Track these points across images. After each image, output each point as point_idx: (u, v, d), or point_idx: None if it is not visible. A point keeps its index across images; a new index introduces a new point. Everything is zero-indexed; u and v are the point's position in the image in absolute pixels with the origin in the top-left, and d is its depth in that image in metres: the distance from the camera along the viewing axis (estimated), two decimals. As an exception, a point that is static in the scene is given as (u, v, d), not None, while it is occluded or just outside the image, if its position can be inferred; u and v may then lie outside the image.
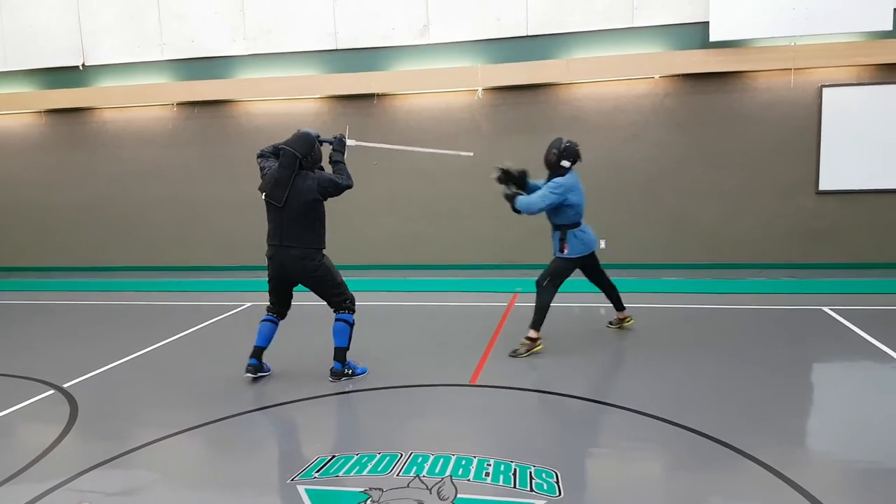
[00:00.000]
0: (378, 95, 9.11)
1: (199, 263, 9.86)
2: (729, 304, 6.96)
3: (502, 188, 5.52)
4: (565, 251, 5.42)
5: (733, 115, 8.42)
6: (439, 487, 3.15)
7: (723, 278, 8.28)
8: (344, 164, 5.01)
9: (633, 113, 8.63)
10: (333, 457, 3.55)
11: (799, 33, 7.85)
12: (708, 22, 8.04)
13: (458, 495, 3.08)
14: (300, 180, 4.71)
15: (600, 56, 8.45)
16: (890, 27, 7.60)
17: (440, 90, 8.96)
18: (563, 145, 5.42)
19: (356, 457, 3.54)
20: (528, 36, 8.66)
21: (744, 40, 8.10)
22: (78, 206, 10.13)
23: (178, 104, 9.61)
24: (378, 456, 3.53)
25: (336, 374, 4.85)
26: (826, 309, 6.55)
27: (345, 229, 9.45)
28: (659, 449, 3.65)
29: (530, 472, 3.29)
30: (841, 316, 6.26)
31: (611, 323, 6.15)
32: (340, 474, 3.35)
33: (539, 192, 5.35)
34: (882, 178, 8.22)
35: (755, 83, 8.32)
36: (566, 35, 8.57)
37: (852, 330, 5.81)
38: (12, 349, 6.11)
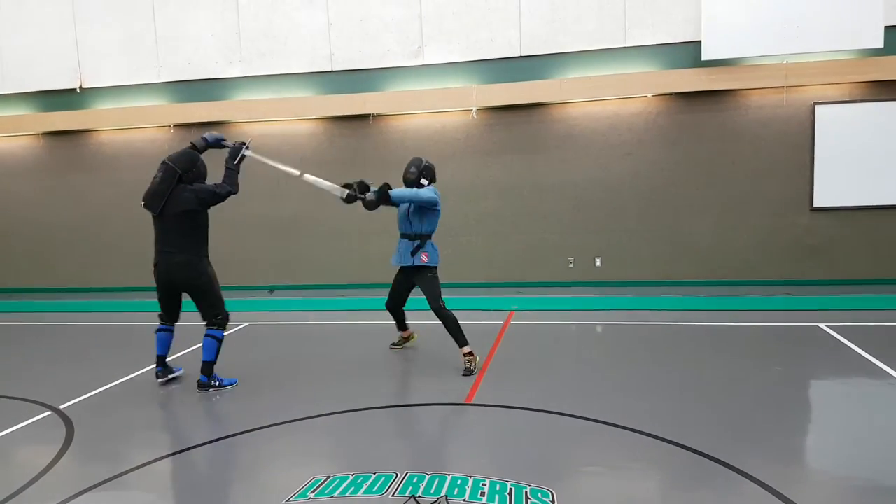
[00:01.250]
0: (373, 116, 9.19)
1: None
2: (724, 322, 6.97)
3: (366, 196, 5.37)
4: (425, 260, 5.54)
5: (726, 133, 8.50)
6: (435, 508, 3.14)
7: (718, 295, 8.30)
8: (233, 170, 5.25)
9: (627, 131, 8.71)
10: (329, 477, 3.54)
11: (791, 51, 7.96)
12: (700, 41, 8.16)
13: (454, 516, 3.07)
14: (179, 191, 5.05)
15: (593, 75, 8.54)
16: (881, 45, 7.71)
17: (435, 110, 9.04)
18: (423, 164, 5.64)
19: (351, 477, 3.52)
20: (521, 56, 8.76)
21: (736, 59, 8.21)
22: (74, 227, 10.14)
23: (174, 126, 9.67)
24: (373, 476, 3.51)
25: (203, 386, 5.14)
26: (822, 325, 6.56)
27: (338, 248, 9.50)
28: (655, 467, 3.64)
29: (526, 492, 3.28)
30: (837, 332, 6.28)
31: (395, 344, 6.32)
32: (336, 495, 3.33)
33: (420, 189, 5.48)
34: (876, 194, 8.28)
35: (748, 101, 8.42)
36: (559, 55, 8.68)
37: (849, 347, 5.82)
38: (8, 370, 6.08)
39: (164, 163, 5.14)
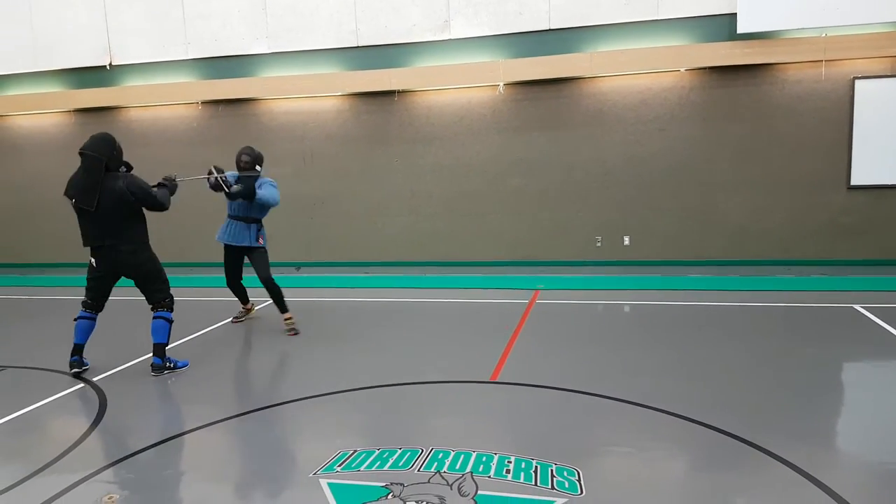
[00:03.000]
0: (398, 92, 9.12)
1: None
2: (756, 302, 6.84)
3: (231, 189, 6.09)
4: (261, 242, 6.30)
5: (761, 109, 8.26)
6: (460, 483, 3.14)
7: (750, 275, 8.14)
8: (167, 188, 5.26)
9: (659, 107, 8.52)
10: (355, 451, 3.57)
11: (830, 24, 7.67)
12: (735, 13, 7.90)
13: (479, 492, 3.07)
14: (110, 181, 4.86)
15: (624, 49, 8.35)
16: (925, 16, 7.38)
17: (461, 86, 8.93)
18: (255, 152, 6.28)
19: (377, 452, 3.54)
20: (550, 29, 8.59)
21: (772, 31, 7.94)
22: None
23: (202, 102, 9.72)
24: (399, 451, 3.53)
25: (157, 369, 5.13)
26: (857, 307, 6.40)
27: (363, 227, 9.51)
28: (682, 448, 3.60)
29: (551, 470, 3.27)
30: (873, 314, 6.12)
31: (237, 318, 6.82)
32: (362, 469, 3.36)
33: (267, 190, 6.14)
34: (916, 172, 8.00)
35: (784, 76, 8.15)
36: (590, 28, 8.49)
37: (884, 328, 5.67)
38: (42, 343, 6.24)
39: (83, 154, 4.85)
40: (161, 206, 5.08)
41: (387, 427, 4.00)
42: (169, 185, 5.29)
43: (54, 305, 8.15)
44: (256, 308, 7.05)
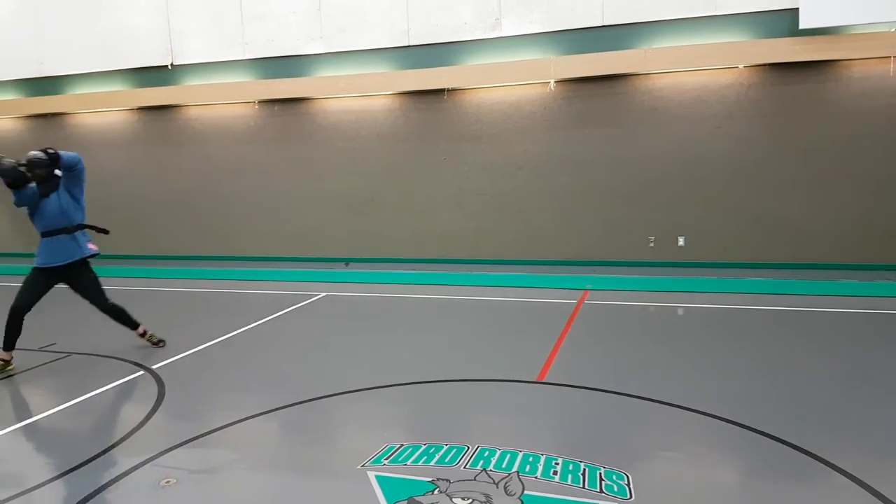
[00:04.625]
0: (448, 90, 9.14)
1: (278, 255, 10.20)
2: (816, 307, 6.59)
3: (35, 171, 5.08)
4: (95, 248, 5.41)
5: (825, 107, 7.95)
6: (506, 482, 3.14)
7: (811, 279, 7.85)
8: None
9: (716, 104, 8.30)
10: (402, 445, 3.61)
11: (900, 18, 7.33)
12: (797, 8, 7.63)
13: (526, 492, 3.06)
14: None
15: (680, 45, 8.16)
16: None
17: (511, 83, 8.90)
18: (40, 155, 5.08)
19: (424, 447, 3.57)
20: (603, 26, 8.47)
21: (836, 27, 7.63)
22: (165, 198, 10.68)
23: (259, 102, 9.96)
24: (445, 447, 3.55)
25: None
26: (926, 314, 6.10)
27: (411, 223, 9.58)
28: (735, 454, 3.51)
29: (600, 473, 3.23)
30: (943, 321, 5.82)
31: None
32: (409, 463, 3.39)
33: (64, 154, 5.10)
34: None
35: (849, 72, 7.82)
36: (644, 24, 8.33)
37: (956, 337, 5.38)
38: (106, 331, 6.50)
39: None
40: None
41: (433, 423, 4.02)
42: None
43: (118, 296, 8.48)
44: (313, 300, 7.18)
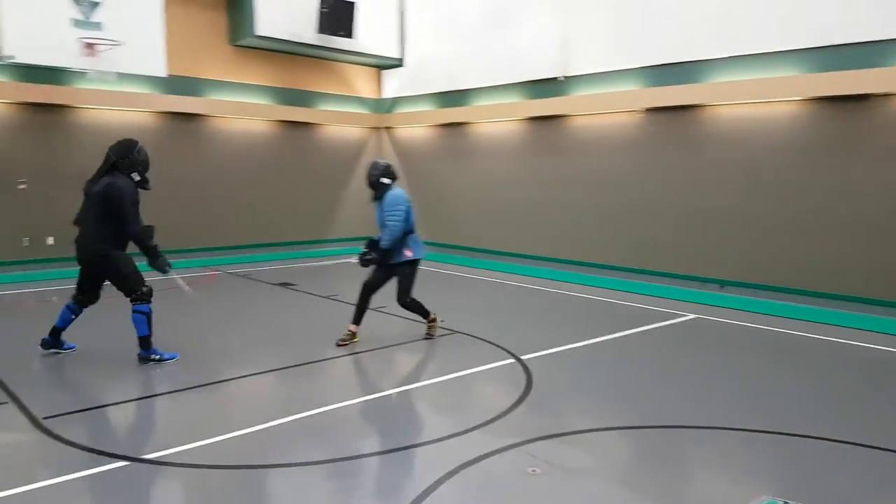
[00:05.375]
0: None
1: (652, 268, 9.65)
2: None
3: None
4: (410, 254, 5.88)
5: None
6: None
7: None
8: (149, 232, 5.29)
9: None
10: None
11: None
12: None
13: None
14: (106, 178, 5.12)
15: None
16: None
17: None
18: (381, 166, 5.94)
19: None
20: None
21: None
22: (556, 203, 10.99)
23: (646, 110, 9.68)
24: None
25: (143, 359, 5.26)
26: None
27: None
28: None
29: None
30: None
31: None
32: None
33: (388, 230, 5.75)
34: None
35: None
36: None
37: None
38: (480, 319, 7.06)
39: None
40: (133, 230, 5.13)
41: (799, 483, 3.27)
42: (149, 233, 5.32)
43: (486, 285, 9.19)
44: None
